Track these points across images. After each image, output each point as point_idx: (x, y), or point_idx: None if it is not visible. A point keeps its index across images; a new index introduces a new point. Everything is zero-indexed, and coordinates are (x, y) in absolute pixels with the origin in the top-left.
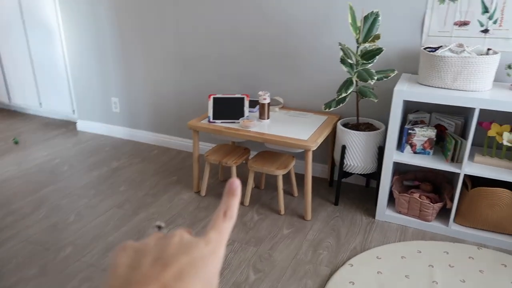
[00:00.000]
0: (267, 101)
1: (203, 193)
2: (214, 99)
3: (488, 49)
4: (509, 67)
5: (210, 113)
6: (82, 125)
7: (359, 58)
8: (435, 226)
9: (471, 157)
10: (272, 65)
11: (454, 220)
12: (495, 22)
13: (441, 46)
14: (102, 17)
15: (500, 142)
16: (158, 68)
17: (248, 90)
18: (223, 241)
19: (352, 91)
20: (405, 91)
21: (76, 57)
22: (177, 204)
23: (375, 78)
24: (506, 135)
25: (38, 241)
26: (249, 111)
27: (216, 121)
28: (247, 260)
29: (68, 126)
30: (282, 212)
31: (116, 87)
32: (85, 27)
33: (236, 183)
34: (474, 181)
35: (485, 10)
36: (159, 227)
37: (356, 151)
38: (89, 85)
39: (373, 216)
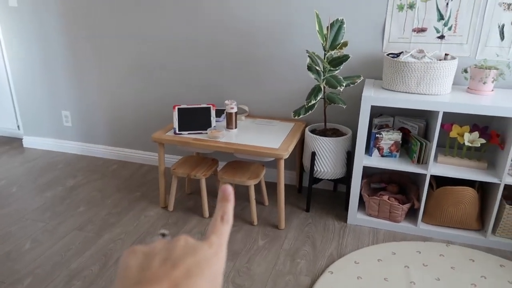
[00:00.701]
0: (235, 110)
1: (170, 208)
2: (179, 110)
3: (446, 54)
4: (465, 71)
5: (176, 124)
6: (29, 142)
7: (327, 65)
8: (405, 226)
9: (435, 158)
10: (235, 73)
11: (422, 220)
12: (450, 29)
13: (402, 52)
14: (49, 24)
15: (462, 143)
16: (114, 79)
17: (211, 100)
18: (224, 244)
19: (320, 98)
20: (372, 96)
21: (20, 68)
22: (144, 221)
23: (344, 84)
24: (467, 135)
25: None
26: (216, 121)
27: (183, 132)
28: (225, 276)
29: (12, 143)
30: (255, 222)
31: (67, 99)
32: (29, 36)
33: (229, 189)
34: (438, 181)
35: (441, 17)
36: (163, 235)
37: (326, 157)
38: (36, 98)
39: (345, 220)
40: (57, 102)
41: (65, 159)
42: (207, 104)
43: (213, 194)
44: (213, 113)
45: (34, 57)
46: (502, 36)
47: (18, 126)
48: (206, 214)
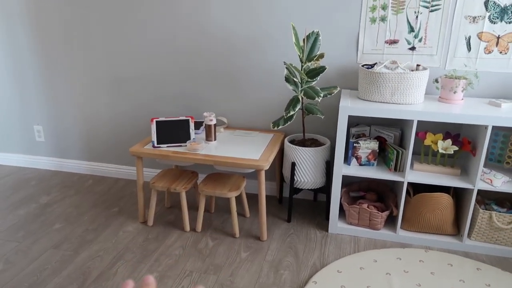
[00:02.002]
0: (214, 122)
1: (150, 222)
2: (157, 122)
3: (417, 65)
4: (436, 81)
5: (154, 137)
6: None
7: (304, 76)
8: (384, 233)
9: (411, 165)
10: (212, 84)
11: (401, 226)
12: (420, 40)
13: (376, 63)
14: (18, 37)
15: (436, 150)
16: (88, 91)
17: (188, 111)
18: None
19: (298, 109)
20: (349, 107)
21: None
22: (123, 237)
23: (321, 95)
24: (440, 143)
25: None
26: (195, 133)
27: (161, 145)
28: None
29: None
30: (237, 235)
31: (39, 113)
32: None
33: (151, 278)
34: (415, 188)
35: (411, 29)
36: None
37: (306, 167)
38: (6, 113)
39: (326, 229)
40: (29, 116)
41: (38, 175)
42: (186, 117)
43: (193, 207)
44: (191, 125)
45: (3, 70)
46: (469, 47)
47: None
48: (187, 227)
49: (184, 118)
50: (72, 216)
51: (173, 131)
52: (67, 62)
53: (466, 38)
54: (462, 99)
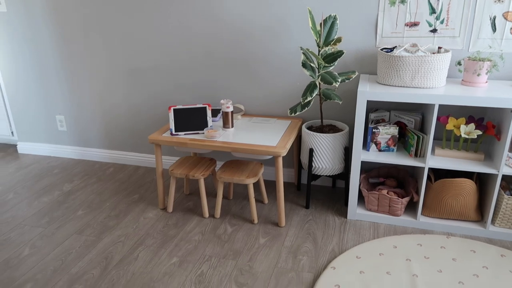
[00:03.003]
0: (231, 109)
1: (170, 209)
2: (175, 110)
3: (439, 48)
4: (459, 63)
5: (172, 125)
6: (24, 148)
7: (322, 62)
8: (405, 220)
9: (432, 151)
10: (229, 72)
11: (422, 213)
12: (442, 22)
13: (395, 47)
14: (40, 29)
15: (459, 135)
16: (107, 81)
17: (205, 99)
18: None
19: (316, 94)
20: (368, 91)
21: (11, 73)
22: (144, 224)
23: (339, 80)
24: (463, 127)
25: None
26: (212, 121)
27: (179, 133)
28: (228, 275)
29: (7, 149)
30: (256, 221)
31: (60, 104)
32: (20, 40)
33: None
34: (436, 174)
35: (433, 11)
36: None
37: (324, 153)
38: (29, 104)
39: (345, 216)
40: (51, 106)
41: (61, 164)
42: (203, 104)
43: (212, 194)
44: (209, 113)
45: (26, 62)
46: (494, 28)
47: (12, 132)
48: (206, 214)
49: (201, 105)
50: (94, 203)
51: (190, 119)
52: (86, 54)
53: (491, 18)
54: (486, 81)
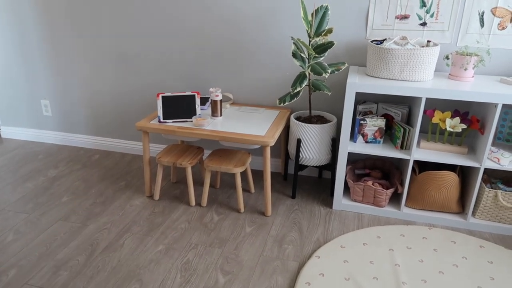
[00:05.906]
0: (219, 98)
1: (156, 197)
2: (163, 98)
3: (428, 41)
4: (447, 57)
5: (160, 112)
6: (7, 132)
7: (312, 52)
8: (388, 211)
9: (418, 143)
10: (218, 61)
11: (405, 204)
12: (432, 16)
13: (385, 39)
14: (24, 11)
15: (444, 128)
16: (95, 67)
17: (194, 87)
18: None
19: (305, 85)
20: (357, 83)
21: None
22: (130, 211)
23: (329, 71)
24: (448, 121)
25: None
26: (200, 109)
27: (167, 121)
28: (214, 263)
29: None
30: (242, 210)
31: (46, 88)
32: (3, 22)
33: None
34: (420, 166)
35: (423, 4)
36: None
37: (311, 144)
38: (13, 88)
39: (330, 206)
40: (36, 91)
41: (45, 149)
42: (192, 92)
43: (199, 182)
44: (197, 101)
45: (10, 44)
46: (482, 23)
47: None
48: (193, 202)
49: (190, 93)
50: (80, 189)
51: (179, 107)
52: (73, 37)
53: (479, 13)
54: (473, 76)
